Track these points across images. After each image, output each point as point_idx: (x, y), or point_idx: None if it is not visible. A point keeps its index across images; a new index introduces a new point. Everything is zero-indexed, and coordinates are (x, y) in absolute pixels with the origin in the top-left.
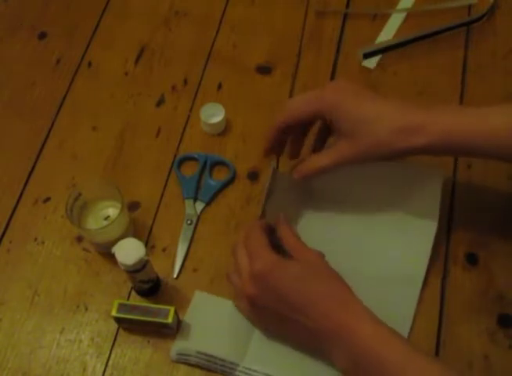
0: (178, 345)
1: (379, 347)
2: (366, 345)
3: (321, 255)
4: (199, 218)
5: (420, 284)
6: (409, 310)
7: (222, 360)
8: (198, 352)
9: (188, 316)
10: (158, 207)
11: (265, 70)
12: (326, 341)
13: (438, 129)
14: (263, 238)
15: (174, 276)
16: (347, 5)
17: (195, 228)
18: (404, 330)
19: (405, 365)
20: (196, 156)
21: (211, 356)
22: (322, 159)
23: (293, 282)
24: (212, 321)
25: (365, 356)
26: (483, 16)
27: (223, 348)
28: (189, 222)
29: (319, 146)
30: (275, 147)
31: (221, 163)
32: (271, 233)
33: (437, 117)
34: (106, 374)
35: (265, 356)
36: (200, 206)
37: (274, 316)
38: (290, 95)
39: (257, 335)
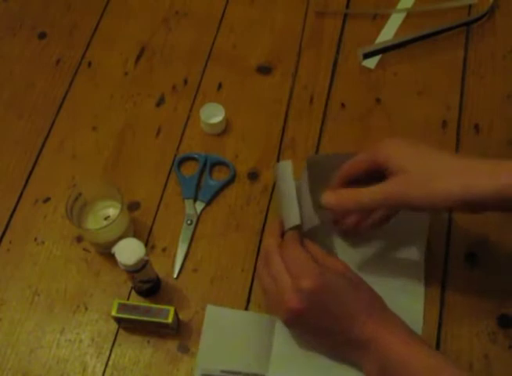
0: (201, 367)
1: (409, 357)
2: (397, 355)
3: (346, 264)
4: (199, 218)
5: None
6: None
7: (247, 374)
8: (222, 371)
9: (205, 334)
10: (158, 207)
11: (265, 70)
12: (358, 349)
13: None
14: (304, 252)
15: (174, 276)
16: (347, 5)
17: (195, 228)
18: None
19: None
20: (196, 156)
21: (236, 372)
22: (368, 194)
23: (337, 295)
24: (230, 335)
25: (396, 367)
26: (483, 16)
27: (246, 361)
28: (189, 222)
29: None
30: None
31: (221, 163)
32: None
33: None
34: (106, 374)
35: (289, 362)
36: (200, 206)
37: (315, 326)
38: (290, 96)
39: (277, 343)
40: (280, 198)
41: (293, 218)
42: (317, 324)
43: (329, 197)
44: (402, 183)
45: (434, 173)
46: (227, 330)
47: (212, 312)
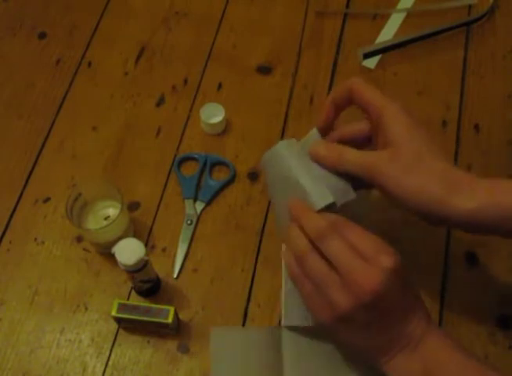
0: None
1: (464, 366)
2: (450, 360)
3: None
4: (199, 218)
5: None
6: None
7: None
8: None
9: (214, 362)
10: (158, 207)
11: (265, 70)
12: (404, 347)
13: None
14: (366, 230)
15: (174, 276)
16: (348, 5)
17: (195, 228)
18: None
19: None
20: (196, 156)
21: None
22: (352, 157)
23: (408, 281)
24: (240, 358)
25: (446, 371)
26: (483, 16)
27: None
28: (189, 222)
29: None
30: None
31: (221, 163)
32: None
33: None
34: (106, 374)
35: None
36: (200, 206)
37: (379, 316)
38: (290, 96)
39: (287, 358)
40: (285, 182)
41: (320, 196)
42: (384, 312)
43: (318, 148)
44: (393, 163)
45: (427, 169)
46: (236, 353)
47: (217, 334)
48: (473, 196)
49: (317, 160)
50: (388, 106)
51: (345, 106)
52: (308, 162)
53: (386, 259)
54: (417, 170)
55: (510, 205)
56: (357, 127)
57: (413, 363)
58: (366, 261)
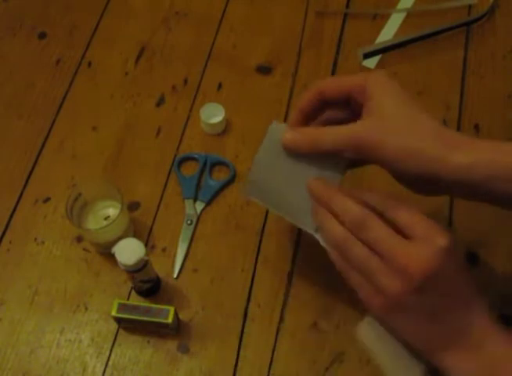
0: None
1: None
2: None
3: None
4: (199, 218)
5: None
6: None
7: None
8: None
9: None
10: (158, 207)
11: (265, 70)
12: (461, 346)
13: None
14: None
15: (174, 276)
16: (348, 5)
17: (195, 228)
18: None
19: None
20: (196, 156)
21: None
22: (332, 134)
23: (464, 266)
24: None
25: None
26: (483, 16)
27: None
28: (189, 222)
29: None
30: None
31: (221, 163)
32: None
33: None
34: (106, 374)
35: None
36: (200, 206)
37: (417, 314)
38: (290, 96)
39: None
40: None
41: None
42: (441, 298)
43: (290, 134)
44: (378, 127)
45: (418, 129)
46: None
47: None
48: (470, 152)
49: (292, 148)
50: (371, 75)
51: (316, 114)
52: None
53: (440, 239)
54: (412, 130)
55: (504, 164)
56: (332, 114)
57: (475, 364)
58: (417, 241)
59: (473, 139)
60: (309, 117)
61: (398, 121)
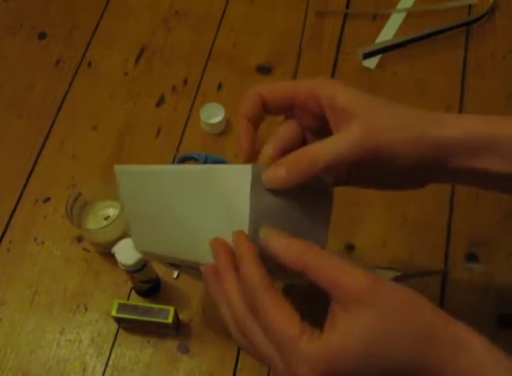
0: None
1: None
2: None
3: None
4: None
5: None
6: None
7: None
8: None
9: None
10: None
11: (265, 70)
12: None
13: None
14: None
15: (174, 276)
16: (347, 5)
17: None
18: None
19: None
20: (196, 156)
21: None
22: (326, 148)
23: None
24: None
25: None
26: (483, 16)
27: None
28: None
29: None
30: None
31: (221, 163)
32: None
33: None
34: (106, 374)
35: None
36: None
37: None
38: None
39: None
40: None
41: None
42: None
43: (276, 171)
44: (372, 126)
45: (405, 116)
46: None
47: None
48: (464, 125)
49: (288, 182)
50: (319, 81)
51: (260, 120)
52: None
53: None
54: (401, 119)
55: (503, 133)
56: (289, 129)
57: None
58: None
59: (457, 114)
60: (256, 124)
61: (385, 115)
